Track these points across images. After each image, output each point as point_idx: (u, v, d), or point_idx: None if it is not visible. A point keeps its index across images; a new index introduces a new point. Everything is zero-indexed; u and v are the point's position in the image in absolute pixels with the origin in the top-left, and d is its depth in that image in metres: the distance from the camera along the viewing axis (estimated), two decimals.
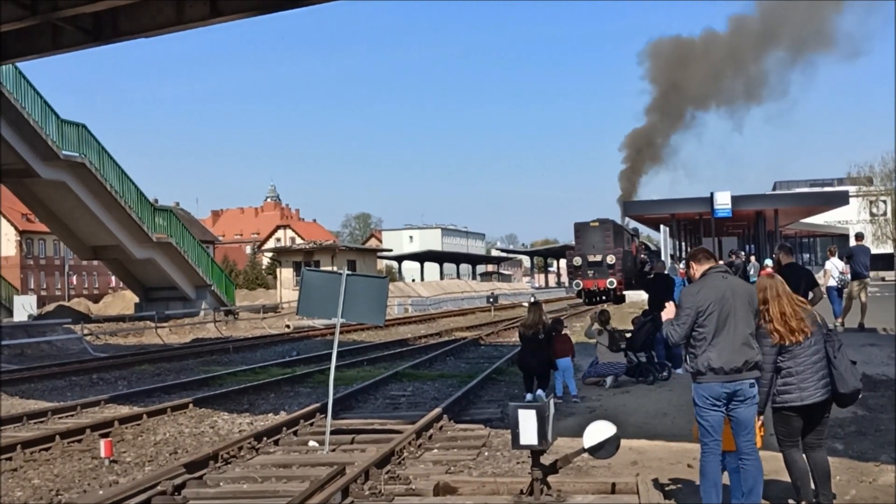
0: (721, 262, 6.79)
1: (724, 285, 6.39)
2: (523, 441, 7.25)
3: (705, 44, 72.07)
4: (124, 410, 13.93)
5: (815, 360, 6.50)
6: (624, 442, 7.78)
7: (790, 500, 6.92)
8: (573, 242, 53.15)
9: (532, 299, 15.84)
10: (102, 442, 10.33)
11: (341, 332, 11.39)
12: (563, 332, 14.04)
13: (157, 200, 51.39)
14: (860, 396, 6.74)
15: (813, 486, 6.68)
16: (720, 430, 6.36)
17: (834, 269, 19.50)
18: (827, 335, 6.60)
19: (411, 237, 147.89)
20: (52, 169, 33.54)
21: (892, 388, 11.97)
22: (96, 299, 63.42)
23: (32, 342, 28.20)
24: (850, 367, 6.52)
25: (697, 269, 6.60)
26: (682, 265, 33.19)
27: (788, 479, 6.80)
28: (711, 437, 6.35)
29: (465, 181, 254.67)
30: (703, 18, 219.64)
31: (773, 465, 7.53)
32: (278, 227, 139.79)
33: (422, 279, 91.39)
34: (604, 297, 48.13)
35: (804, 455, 6.68)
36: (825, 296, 16.90)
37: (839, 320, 18.70)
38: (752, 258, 34.28)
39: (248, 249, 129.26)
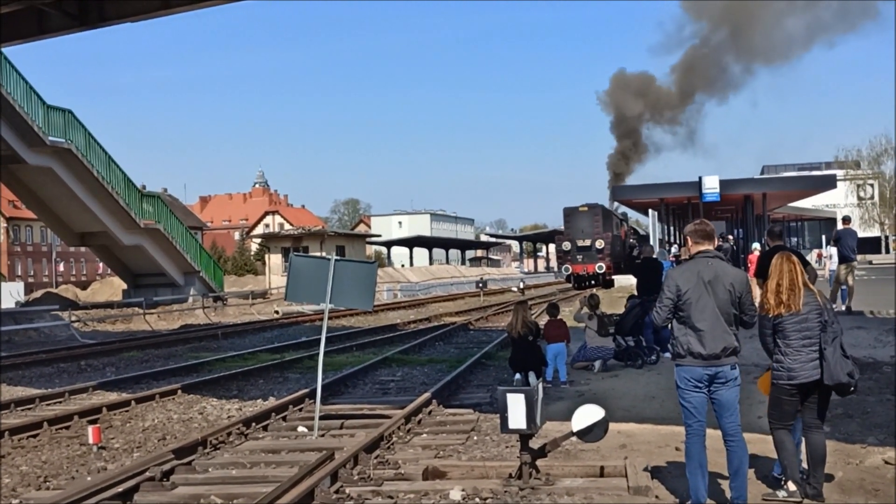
0: (712, 247, 6.63)
1: (707, 271, 6.33)
2: (512, 425, 7.26)
3: None
4: (112, 397, 13.90)
5: (805, 344, 6.51)
6: (612, 425, 7.80)
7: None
8: (562, 227, 53.25)
9: (520, 286, 15.84)
10: (90, 428, 10.28)
11: (330, 318, 11.37)
12: (558, 317, 14.03)
13: (144, 186, 51.22)
14: (853, 390, 6.73)
15: (806, 467, 6.73)
16: (703, 412, 6.37)
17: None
18: (824, 324, 6.57)
19: (400, 223, 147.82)
20: (39, 155, 33.31)
21: (879, 371, 12.04)
22: (84, 286, 63.25)
23: (20, 329, 28.12)
24: (840, 360, 6.50)
25: (692, 249, 6.57)
26: (673, 250, 33.30)
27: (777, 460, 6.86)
28: (695, 418, 6.36)
29: (455, 166, 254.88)
30: None
31: (762, 447, 7.60)
32: (267, 213, 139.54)
33: (411, 264, 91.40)
34: (593, 282, 48.30)
35: (803, 437, 6.76)
36: (820, 277, 17.02)
37: (844, 305, 18.93)
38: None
39: (237, 235, 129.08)
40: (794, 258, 6.74)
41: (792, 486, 6.61)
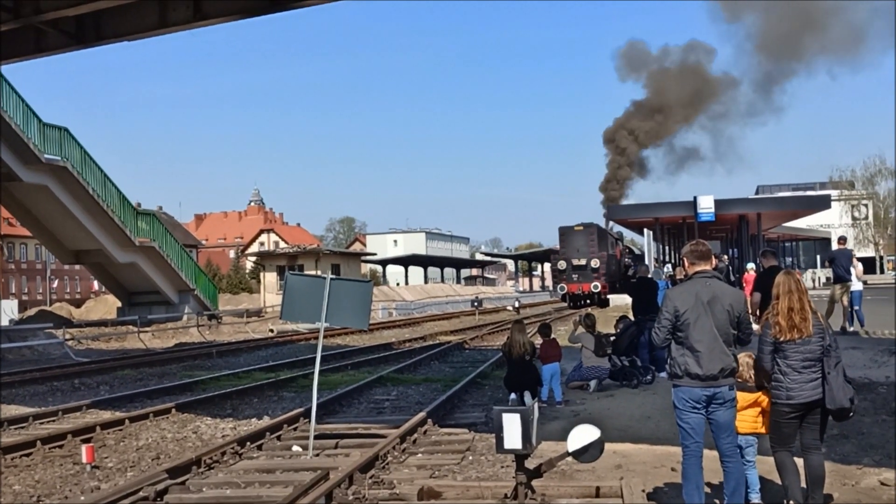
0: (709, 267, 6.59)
1: (705, 291, 6.33)
2: (507, 445, 7.23)
3: None
4: (106, 415, 13.84)
5: (806, 366, 6.52)
6: (608, 446, 7.78)
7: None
8: (558, 246, 53.27)
9: (516, 305, 15.83)
10: (84, 447, 10.24)
11: (325, 337, 11.36)
12: (551, 337, 14.01)
13: (139, 204, 51.16)
14: (851, 415, 6.75)
15: (804, 488, 6.73)
16: (701, 433, 6.37)
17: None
18: (827, 349, 6.58)
19: (396, 241, 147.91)
20: (34, 173, 33.28)
21: (875, 392, 12.03)
22: (78, 304, 62.94)
23: (14, 347, 27.95)
24: (842, 385, 6.53)
25: (689, 270, 6.57)
26: (666, 269, 33.29)
27: (779, 482, 6.87)
28: (692, 439, 6.36)
29: (450, 185, 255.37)
30: (690, 22, 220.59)
31: (763, 467, 7.58)
32: (262, 231, 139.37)
33: (406, 283, 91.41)
34: (588, 301, 48.25)
35: (803, 458, 6.75)
36: (817, 298, 17.03)
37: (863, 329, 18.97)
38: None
39: (232, 253, 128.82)
40: (799, 276, 6.77)
41: None
